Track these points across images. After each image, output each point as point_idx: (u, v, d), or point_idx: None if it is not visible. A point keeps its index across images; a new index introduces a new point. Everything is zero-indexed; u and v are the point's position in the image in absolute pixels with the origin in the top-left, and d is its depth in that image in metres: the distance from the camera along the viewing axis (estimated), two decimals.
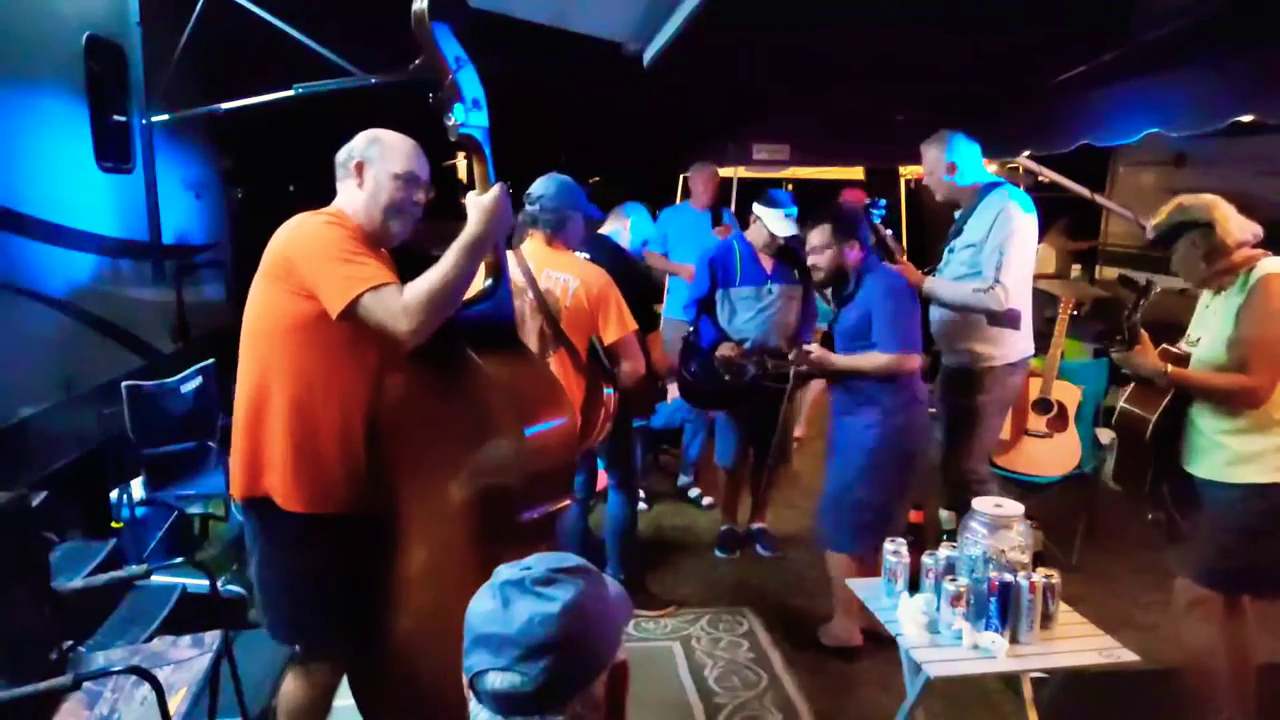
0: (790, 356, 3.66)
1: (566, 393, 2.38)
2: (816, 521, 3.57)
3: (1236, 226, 2.56)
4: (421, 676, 2.14)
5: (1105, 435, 4.19)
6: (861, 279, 3.35)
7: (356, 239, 2.13)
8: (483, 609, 1.06)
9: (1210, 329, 2.66)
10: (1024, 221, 3.43)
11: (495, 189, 2.12)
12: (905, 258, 3.65)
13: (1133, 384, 2.85)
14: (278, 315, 2.13)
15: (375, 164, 2.18)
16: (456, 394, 2.17)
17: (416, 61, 2.06)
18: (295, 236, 2.14)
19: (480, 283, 2.25)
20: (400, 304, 2.00)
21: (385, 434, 2.20)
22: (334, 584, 2.23)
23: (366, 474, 2.22)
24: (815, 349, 3.50)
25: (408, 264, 2.21)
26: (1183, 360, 2.71)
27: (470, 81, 2.12)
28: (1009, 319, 3.50)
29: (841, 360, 3.39)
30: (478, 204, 2.11)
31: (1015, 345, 3.55)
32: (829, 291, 3.70)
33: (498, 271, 2.22)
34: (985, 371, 3.54)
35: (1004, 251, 3.36)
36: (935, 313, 3.64)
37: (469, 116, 2.11)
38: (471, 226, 2.08)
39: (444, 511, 2.16)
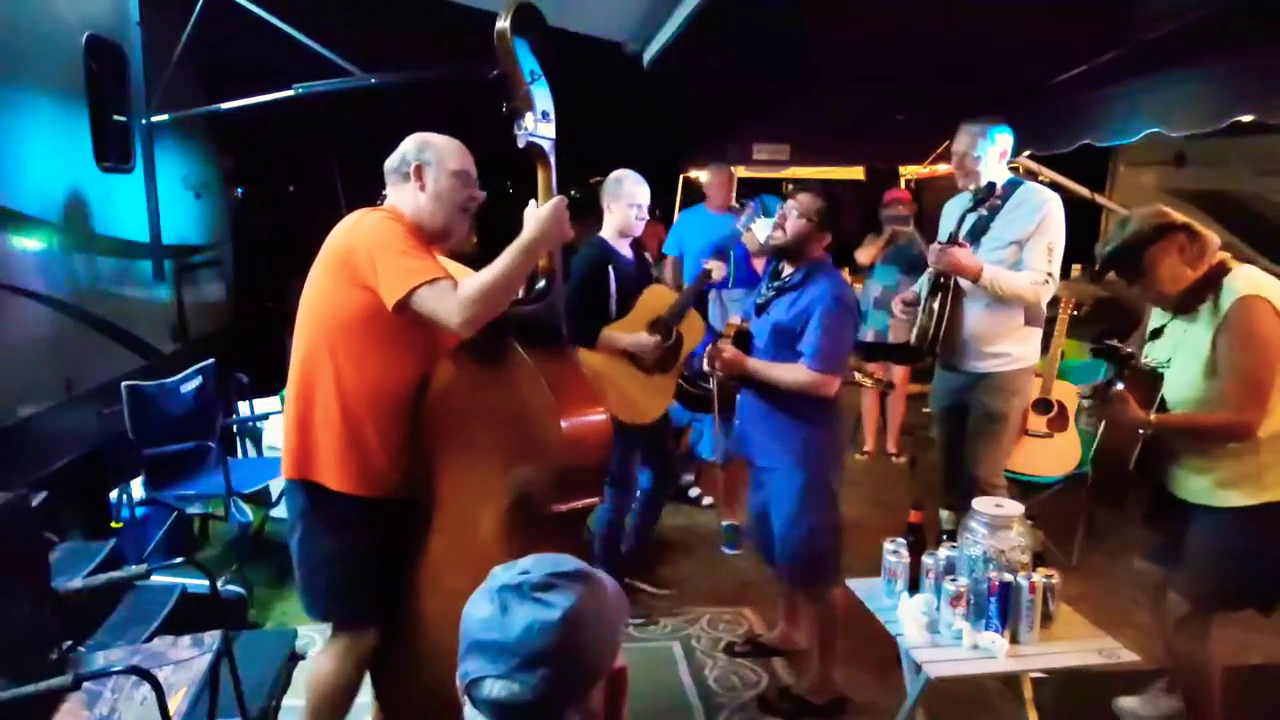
0: (705, 354, 3.12)
1: (602, 395, 2.43)
2: (777, 566, 3.17)
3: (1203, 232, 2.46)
4: (444, 663, 2.15)
5: None
6: (811, 275, 2.96)
7: (414, 235, 2.23)
8: (479, 614, 1.02)
9: (1183, 354, 2.51)
10: (1062, 218, 3.38)
11: (555, 200, 2.21)
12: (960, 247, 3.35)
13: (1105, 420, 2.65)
14: (335, 305, 2.24)
15: (433, 166, 2.29)
16: (500, 383, 2.27)
17: (494, 73, 2.19)
18: (357, 230, 2.24)
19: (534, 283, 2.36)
20: (455, 298, 2.09)
21: (430, 420, 2.33)
22: (373, 562, 2.35)
23: (410, 459, 2.33)
24: (728, 349, 3.02)
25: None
26: (1156, 380, 2.52)
27: (543, 95, 2.24)
28: (1042, 318, 3.48)
29: (756, 366, 2.98)
30: (535, 214, 2.20)
31: (1038, 345, 3.52)
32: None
33: (551, 274, 2.31)
34: (1016, 374, 3.44)
35: (1054, 248, 3.33)
36: (973, 313, 3.40)
37: (538, 127, 2.22)
38: (528, 232, 2.18)
39: (481, 498, 2.26)
